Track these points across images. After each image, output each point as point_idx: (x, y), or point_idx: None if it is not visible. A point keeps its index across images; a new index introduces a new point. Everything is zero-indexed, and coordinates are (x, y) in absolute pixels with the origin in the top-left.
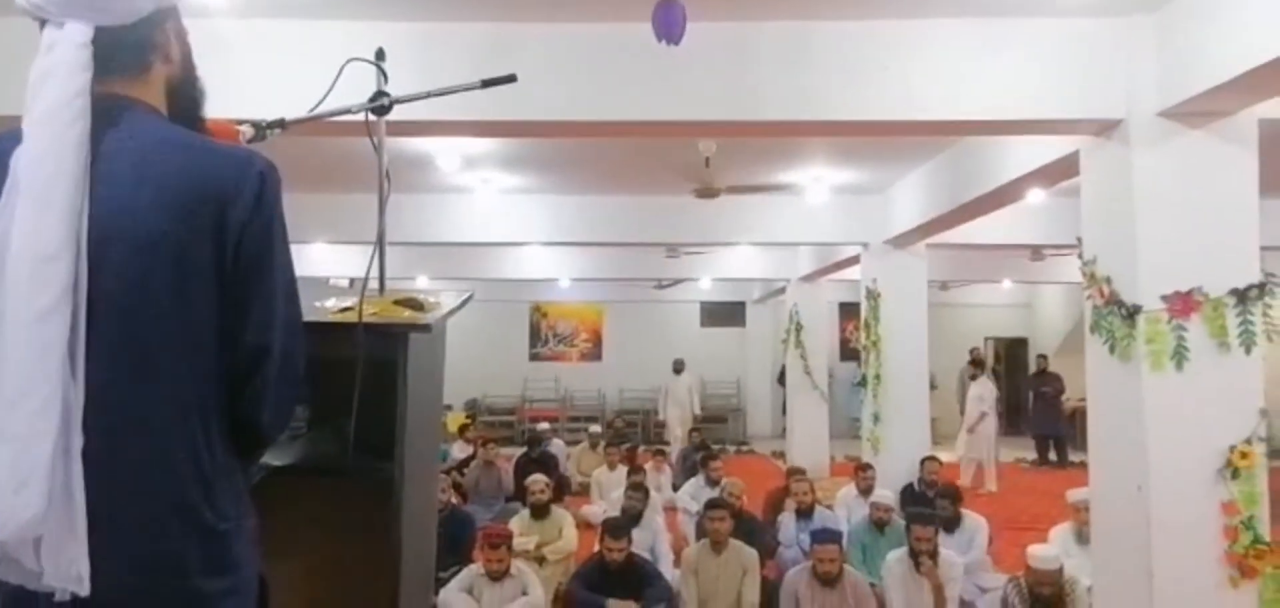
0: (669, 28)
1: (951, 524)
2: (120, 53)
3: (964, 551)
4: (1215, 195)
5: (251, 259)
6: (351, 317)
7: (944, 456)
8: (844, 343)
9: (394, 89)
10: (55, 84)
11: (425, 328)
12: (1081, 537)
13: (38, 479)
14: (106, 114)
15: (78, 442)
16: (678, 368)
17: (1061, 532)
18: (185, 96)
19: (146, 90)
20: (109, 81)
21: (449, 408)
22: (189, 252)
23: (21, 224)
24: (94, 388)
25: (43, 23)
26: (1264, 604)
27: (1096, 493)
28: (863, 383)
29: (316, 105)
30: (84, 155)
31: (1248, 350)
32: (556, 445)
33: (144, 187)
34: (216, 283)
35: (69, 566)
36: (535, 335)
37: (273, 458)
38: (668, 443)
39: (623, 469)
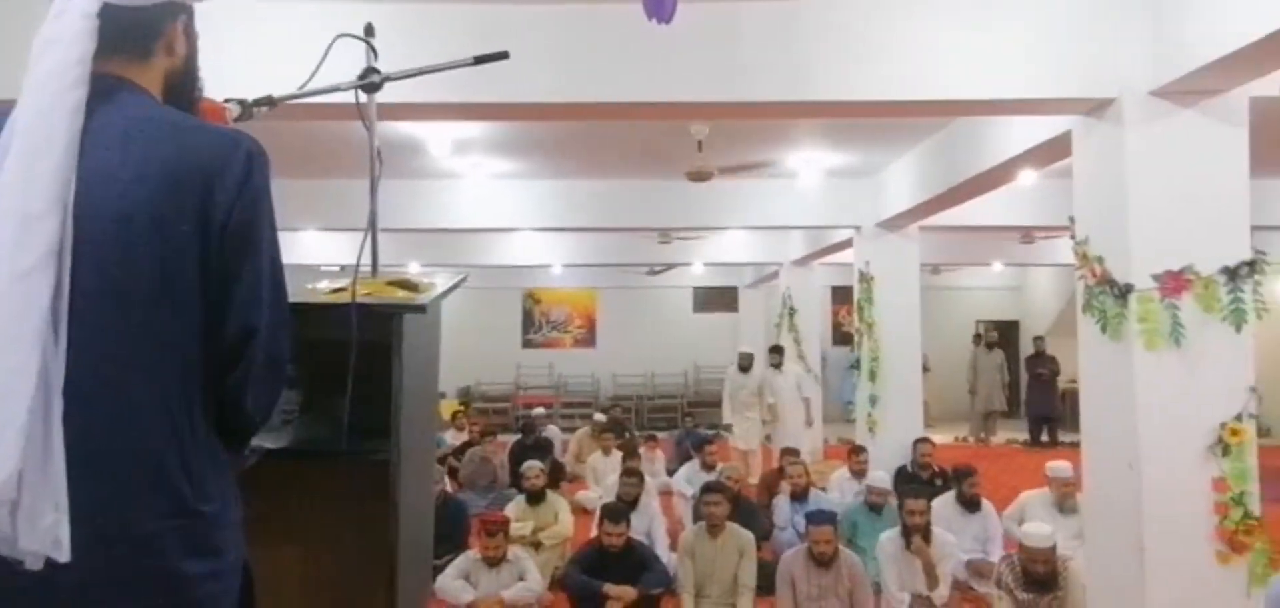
0: (659, 7)
1: (974, 504)
2: (125, 34)
3: (981, 536)
4: (1207, 174)
5: (237, 240)
6: (345, 297)
7: (936, 437)
8: (836, 327)
9: (384, 69)
10: (58, 49)
11: (420, 308)
12: (1063, 507)
13: (11, 439)
14: (102, 92)
15: (58, 406)
16: (775, 361)
17: (1039, 499)
18: (182, 90)
19: (144, 75)
20: (110, 62)
21: (443, 396)
22: (173, 228)
23: (10, 182)
24: (75, 356)
25: None
26: (1253, 579)
27: (1088, 471)
28: (857, 367)
29: (305, 83)
30: (78, 122)
31: (1238, 328)
32: (552, 431)
33: (129, 160)
34: (201, 262)
35: (46, 532)
36: (528, 322)
37: (266, 441)
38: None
39: (618, 455)
